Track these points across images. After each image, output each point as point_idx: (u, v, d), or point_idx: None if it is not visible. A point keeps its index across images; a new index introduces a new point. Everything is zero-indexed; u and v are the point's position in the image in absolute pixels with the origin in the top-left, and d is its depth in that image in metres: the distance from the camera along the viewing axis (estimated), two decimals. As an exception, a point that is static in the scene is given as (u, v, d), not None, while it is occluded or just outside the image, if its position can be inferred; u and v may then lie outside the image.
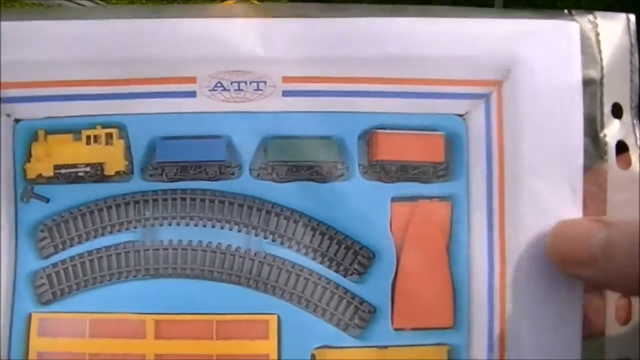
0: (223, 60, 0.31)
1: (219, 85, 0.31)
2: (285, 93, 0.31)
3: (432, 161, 0.32)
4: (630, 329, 0.32)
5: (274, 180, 0.32)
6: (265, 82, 0.31)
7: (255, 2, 0.34)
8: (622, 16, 0.33)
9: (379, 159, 0.32)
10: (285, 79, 0.31)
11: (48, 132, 0.31)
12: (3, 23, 0.30)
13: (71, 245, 0.31)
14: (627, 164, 0.32)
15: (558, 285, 0.31)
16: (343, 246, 0.32)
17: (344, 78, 0.31)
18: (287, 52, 0.31)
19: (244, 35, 0.31)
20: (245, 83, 0.31)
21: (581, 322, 0.31)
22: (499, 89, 0.31)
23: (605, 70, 0.32)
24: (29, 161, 0.31)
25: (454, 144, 0.32)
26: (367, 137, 0.32)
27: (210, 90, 0.31)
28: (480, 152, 0.32)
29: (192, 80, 0.31)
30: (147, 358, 0.30)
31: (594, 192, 0.32)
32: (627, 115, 0.32)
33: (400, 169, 0.32)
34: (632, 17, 0.33)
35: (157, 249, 0.31)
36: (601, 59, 0.32)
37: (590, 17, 0.32)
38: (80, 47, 0.30)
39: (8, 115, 0.31)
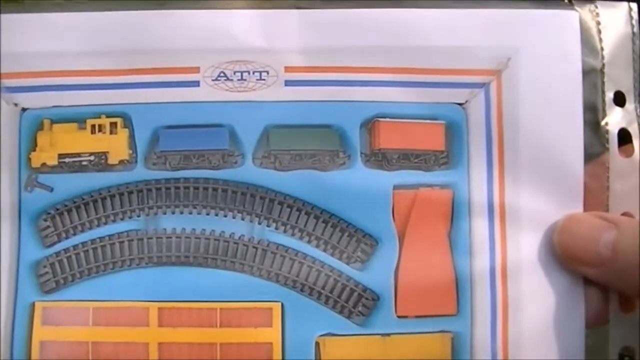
0: (226, 50, 0.31)
1: (222, 75, 0.31)
2: (288, 83, 0.32)
3: (433, 149, 0.32)
4: (635, 317, 0.32)
5: (276, 169, 0.32)
6: (267, 72, 0.31)
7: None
8: (623, 5, 0.33)
9: (380, 148, 0.32)
10: (288, 69, 0.31)
11: (53, 121, 0.32)
12: (10, 15, 0.30)
13: (74, 234, 0.31)
14: (630, 152, 0.32)
15: (560, 272, 0.31)
16: (346, 234, 0.32)
17: (345, 68, 0.32)
18: (289, 43, 0.31)
19: (247, 26, 0.31)
20: (248, 73, 0.31)
21: (584, 309, 0.31)
22: (499, 77, 0.32)
23: (606, 59, 0.32)
24: (34, 150, 0.31)
25: (454, 132, 0.32)
26: (369, 126, 0.32)
27: (213, 80, 0.31)
28: (480, 140, 0.32)
29: (196, 70, 0.31)
30: (151, 346, 0.30)
31: (595, 181, 0.32)
32: (630, 103, 0.32)
33: (401, 157, 0.32)
34: (634, 5, 0.33)
35: (160, 237, 0.31)
36: (602, 47, 0.32)
37: (591, 6, 0.33)
38: (85, 38, 0.31)
39: (15, 105, 0.31)
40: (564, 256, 0.31)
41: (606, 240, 0.29)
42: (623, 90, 0.32)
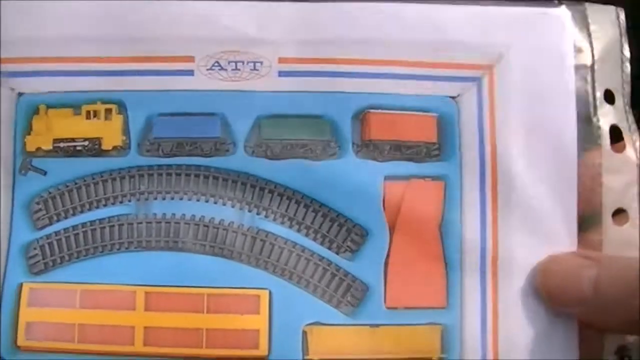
0: (221, 40, 0.32)
1: (216, 64, 0.32)
2: (281, 73, 0.32)
3: (425, 141, 0.32)
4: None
5: (267, 158, 0.32)
6: (261, 63, 0.32)
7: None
8: (611, 8, 0.33)
9: (371, 139, 0.32)
10: (281, 60, 0.32)
11: (49, 107, 0.32)
12: (8, 1, 0.31)
13: (66, 217, 0.32)
14: (621, 148, 0.32)
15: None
16: (336, 224, 0.32)
17: (338, 59, 0.32)
18: (283, 34, 0.32)
19: (242, 17, 0.32)
20: (242, 63, 0.32)
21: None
22: (491, 72, 0.32)
23: (596, 57, 0.33)
24: (29, 134, 0.32)
25: (446, 125, 0.32)
26: (360, 117, 0.32)
27: (207, 70, 0.32)
28: (472, 133, 0.32)
29: (191, 59, 0.32)
30: (137, 330, 0.30)
31: (588, 176, 0.32)
32: (619, 101, 0.32)
33: (393, 148, 0.32)
34: (622, 10, 0.33)
35: (150, 222, 0.31)
36: (592, 46, 0.33)
37: (580, 7, 0.33)
38: (83, 25, 0.31)
39: (12, 89, 0.32)
40: (546, 297, 0.30)
41: (587, 278, 0.28)
42: (612, 88, 0.32)
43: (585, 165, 0.32)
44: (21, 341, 0.30)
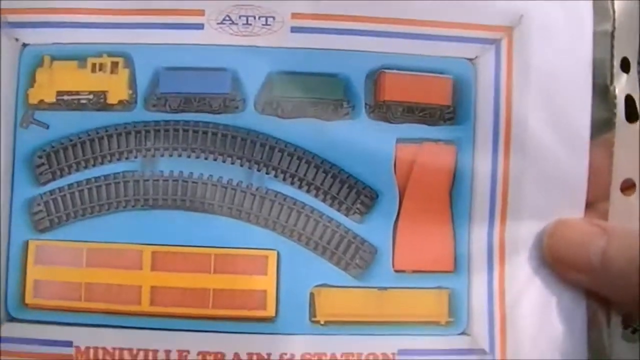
0: (232, -7, 0.31)
1: (227, 18, 0.31)
2: (294, 29, 0.31)
3: (439, 104, 0.32)
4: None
5: (278, 116, 0.31)
6: (273, 18, 0.31)
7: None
8: None
9: (385, 99, 0.31)
10: (294, 15, 0.31)
11: (54, 58, 0.31)
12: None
13: (69, 173, 0.31)
14: (634, 118, 0.31)
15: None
16: (346, 185, 0.31)
17: (354, 17, 0.31)
18: None
19: (254, -31, 0.31)
20: (254, 18, 0.31)
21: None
22: (510, 35, 0.31)
23: (617, 23, 0.32)
24: (32, 87, 0.31)
25: (462, 87, 0.32)
26: (375, 77, 0.32)
27: (218, 24, 0.31)
28: (488, 97, 0.31)
29: (201, 12, 0.31)
30: (143, 289, 0.30)
31: (601, 148, 0.31)
32: (633, 69, 0.32)
33: (406, 110, 0.32)
34: None
35: (157, 180, 0.31)
36: (614, 11, 0.32)
37: None
38: None
39: (16, 40, 0.31)
40: (552, 260, 0.30)
41: (596, 248, 0.28)
42: (629, 56, 0.32)
43: (598, 136, 0.31)
44: (29, 299, 0.30)
